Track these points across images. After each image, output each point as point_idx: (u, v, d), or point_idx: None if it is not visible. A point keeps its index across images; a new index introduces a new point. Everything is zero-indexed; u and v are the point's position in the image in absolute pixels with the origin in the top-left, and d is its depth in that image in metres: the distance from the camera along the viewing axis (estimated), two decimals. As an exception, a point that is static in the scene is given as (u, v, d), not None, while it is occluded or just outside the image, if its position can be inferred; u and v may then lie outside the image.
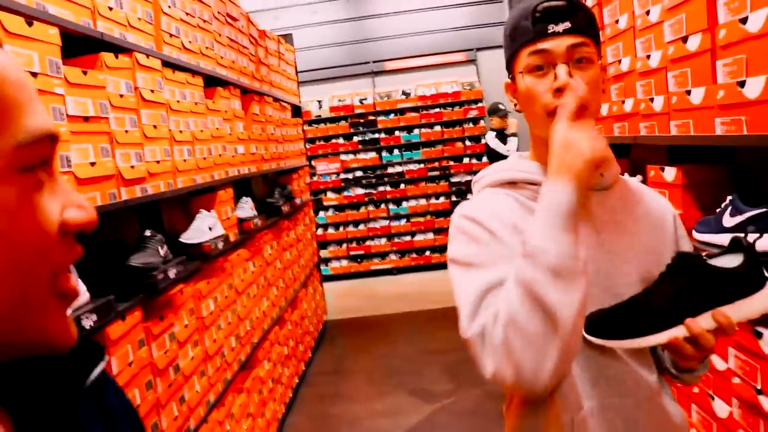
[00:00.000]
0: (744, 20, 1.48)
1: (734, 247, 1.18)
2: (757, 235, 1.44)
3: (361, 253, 8.86)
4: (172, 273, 2.42)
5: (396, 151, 8.82)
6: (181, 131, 2.74)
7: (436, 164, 8.74)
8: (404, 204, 8.86)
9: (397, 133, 8.79)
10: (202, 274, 3.05)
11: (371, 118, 8.79)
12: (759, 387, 1.61)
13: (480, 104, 8.58)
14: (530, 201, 1.22)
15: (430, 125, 8.72)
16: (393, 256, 8.84)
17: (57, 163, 0.56)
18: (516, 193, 1.24)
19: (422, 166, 8.79)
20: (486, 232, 1.16)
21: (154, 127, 2.43)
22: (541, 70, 1.15)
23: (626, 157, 2.80)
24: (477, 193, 1.32)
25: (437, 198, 8.77)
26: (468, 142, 8.70)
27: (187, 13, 3.05)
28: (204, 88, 3.20)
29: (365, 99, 8.85)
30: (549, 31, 1.14)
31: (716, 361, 1.83)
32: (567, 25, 1.13)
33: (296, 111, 6.12)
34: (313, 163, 8.73)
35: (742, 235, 1.17)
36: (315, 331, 5.83)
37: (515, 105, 1.25)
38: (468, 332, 1.08)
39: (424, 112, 8.68)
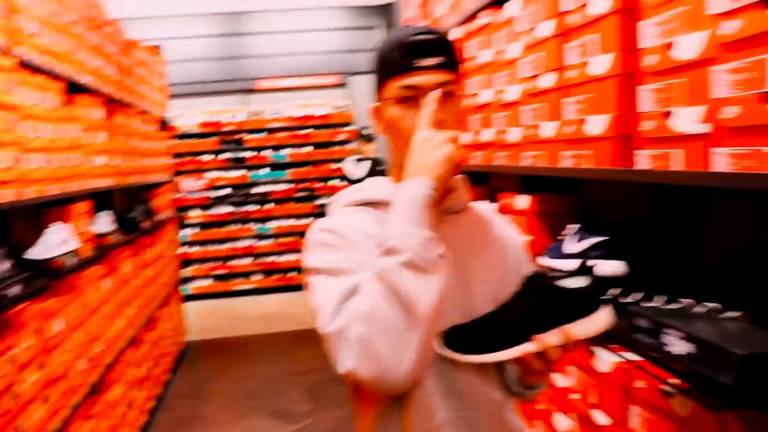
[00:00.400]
0: (588, 64, 1.61)
1: (581, 271, 1.27)
2: (603, 265, 1.57)
3: (225, 273, 8.67)
4: (14, 290, 2.27)
5: (264, 171, 8.75)
6: (34, 138, 2.59)
7: (304, 185, 8.75)
8: (270, 224, 8.78)
9: (266, 152, 8.72)
10: (51, 292, 2.88)
11: (241, 135, 8.69)
12: (593, 402, 1.74)
13: (350, 127, 8.70)
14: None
15: (300, 146, 8.73)
16: (257, 276, 8.72)
17: None
18: (374, 211, 1.27)
19: (290, 186, 8.77)
20: (346, 241, 1.18)
21: (2, 131, 2.29)
22: (409, 102, 1.18)
23: (484, 185, 2.94)
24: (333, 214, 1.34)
25: (304, 219, 8.77)
26: (336, 165, 8.77)
27: (49, 13, 2.91)
28: (65, 94, 3.06)
29: (236, 116, 8.73)
30: (419, 65, 1.17)
31: (557, 378, 1.95)
32: (437, 60, 1.17)
33: (164, 124, 5.95)
34: (179, 178, 8.48)
35: (587, 260, 1.27)
36: (174, 353, 5.63)
37: (379, 129, 1.28)
38: (327, 328, 1.08)
39: (294, 132, 8.68)
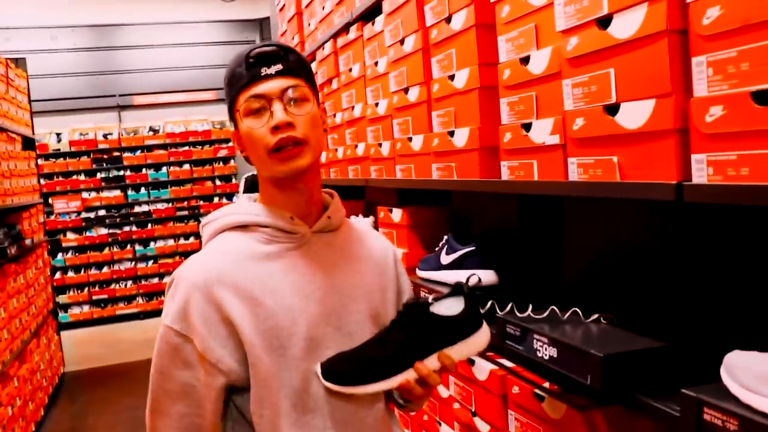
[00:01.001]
0: (452, 77, 1.65)
1: (457, 291, 1.30)
2: (477, 279, 1.60)
3: (104, 297, 8.27)
4: None
5: (143, 190, 8.43)
6: None
7: (185, 203, 8.50)
8: (152, 245, 8.47)
9: (144, 170, 8.41)
10: None
11: (116, 154, 8.34)
12: (473, 410, 1.77)
13: (230, 144, 8.54)
14: (261, 244, 1.24)
15: (179, 163, 8.49)
16: (140, 300, 8.38)
17: None
18: (247, 237, 1.25)
19: (170, 205, 8.50)
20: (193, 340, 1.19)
21: None
22: (259, 112, 1.19)
23: (362, 199, 2.96)
24: (208, 238, 1.31)
25: (186, 238, 8.51)
26: (218, 182, 8.60)
27: None
28: None
29: (110, 134, 8.38)
30: (262, 74, 1.18)
31: (441, 389, 1.98)
32: (279, 67, 1.19)
33: (29, 143, 5.61)
34: (50, 200, 8.03)
35: (464, 281, 1.29)
36: (49, 386, 5.30)
37: (242, 152, 1.27)
38: None
39: (173, 149, 8.43)
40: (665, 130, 1.00)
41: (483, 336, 1.27)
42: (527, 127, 1.35)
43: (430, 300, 1.27)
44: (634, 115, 1.05)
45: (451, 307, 1.27)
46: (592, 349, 1.16)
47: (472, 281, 1.32)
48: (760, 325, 1.22)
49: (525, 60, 1.35)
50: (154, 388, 1.23)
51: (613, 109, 1.10)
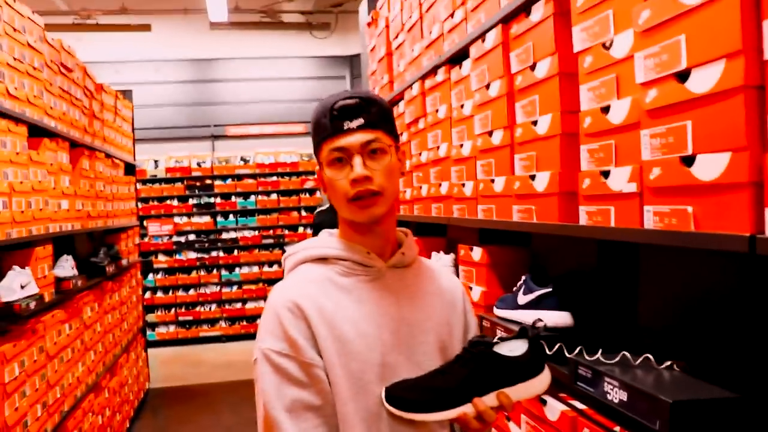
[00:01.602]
0: (535, 123, 1.70)
1: (522, 334, 1.34)
2: (543, 324, 1.63)
3: (189, 319, 8.59)
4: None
5: (231, 217, 8.77)
6: (-2, 183, 2.61)
7: (271, 232, 8.77)
8: (237, 270, 8.76)
9: (233, 198, 8.76)
10: (9, 336, 2.86)
11: (208, 181, 8.73)
12: (544, 449, 1.78)
13: (316, 176, 8.77)
14: (340, 276, 1.32)
15: (267, 193, 8.79)
16: (223, 323, 8.66)
17: None
18: (327, 269, 1.34)
19: (257, 233, 8.79)
20: (299, 351, 1.24)
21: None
22: (341, 162, 1.27)
23: (444, 237, 3.02)
24: (290, 268, 1.40)
25: (270, 266, 8.76)
26: (304, 212, 8.83)
27: (15, 58, 2.96)
28: (29, 138, 3.09)
29: (203, 162, 8.78)
30: (345, 128, 1.26)
31: (512, 427, 1.99)
32: (360, 121, 1.26)
33: (130, 169, 5.97)
34: (145, 223, 8.45)
35: (529, 322, 1.34)
36: (135, 400, 5.55)
37: (324, 190, 1.36)
38: None
39: (262, 179, 8.75)
40: (739, 183, 1.03)
41: (544, 380, 1.30)
42: (606, 174, 1.39)
43: (495, 340, 1.31)
44: (710, 167, 1.08)
45: (515, 349, 1.31)
46: (662, 395, 1.17)
47: (539, 325, 1.36)
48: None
49: (605, 109, 1.40)
50: (271, 415, 1.24)
51: (689, 161, 1.13)
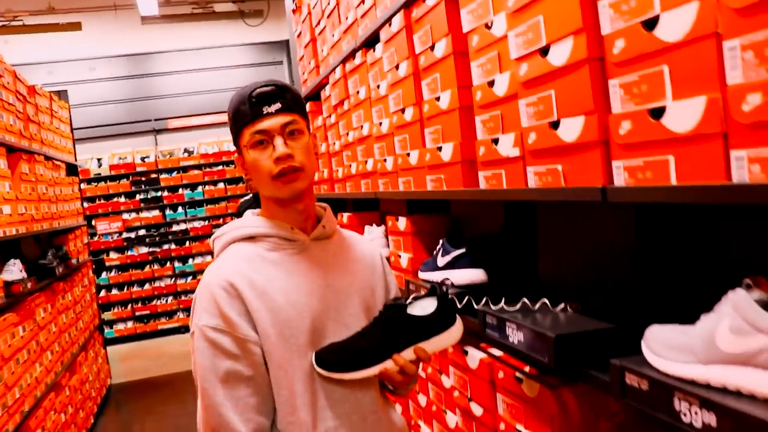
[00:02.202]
0: (438, 99, 1.86)
1: (432, 292, 1.50)
2: (450, 282, 1.80)
3: (147, 313, 8.62)
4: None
5: (180, 209, 8.78)
6: (-64, 193, 2.66)
7: (221, 221, 8.82)
8: (190, 261, 8.80)
9: (180, 190, 8.77)
10: (-38, 341, 2.93)
11: (154, 176, 8.71)
12: (469, 396, 1.96)
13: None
14: (268, 251, 1.46)
15: (214, 182, 8.82)
16: (180, 315, 8.70)
17: None
18: (255, 246, 1.47)
19: (207, 223, 8.83)
20: (231, 326, 1.38)
21: None
22: (262, 144, 1.40)
23: (377, 210, 3.17)
24: (220, 249, 1.53)
25: (225, 254, 8.80)
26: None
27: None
28: (-37, 149, 3.12)
29: (147, 157, 8.76)
30: (264, 113, 1.39)
31: (444, 379, 2.17)
32: (278, 106, 1.40)
33: (72, 169, 5.96)
34: (93, 222, 8.42)
35: (439, 283, 1.51)
36: (98, 396, 5.61)
37: (245, 174, 1.48)
38: None
39: (207, 169, 8.77)
40: (592, 142, 1.19)
41: (455, 332, 1.47)
42: (496, 141, 1.55)
43: (409, 300, 1.47)
44: (570, 129, 1.25)
45: (426, 307, 1.48)
46: (547, 331, 1.35)
47: (446, 283, 1.52)
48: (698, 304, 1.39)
49: (491, 83, 1.55)
50: (205, 386, 1.38)
51: (555, 125, 1.29)
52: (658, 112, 1.02)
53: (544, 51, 1.30)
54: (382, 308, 1.49)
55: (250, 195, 4.95)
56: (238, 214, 4.89)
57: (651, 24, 1.02)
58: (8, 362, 3.33)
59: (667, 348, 1.06)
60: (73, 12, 8.44)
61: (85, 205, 7.17)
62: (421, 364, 1.53)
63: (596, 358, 1.30)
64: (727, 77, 0.89)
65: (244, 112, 1.41)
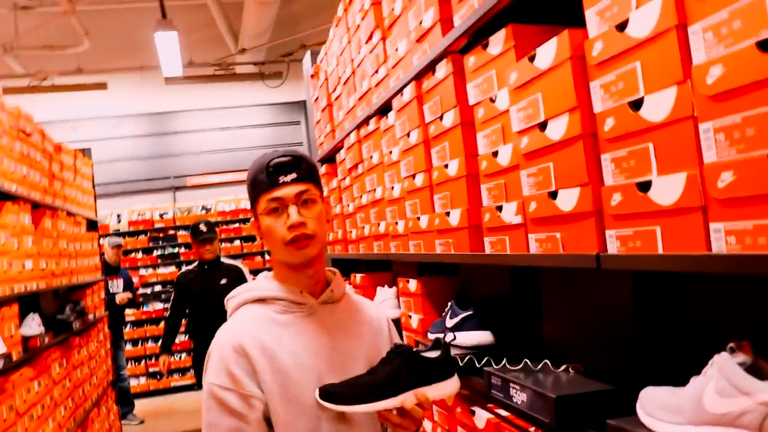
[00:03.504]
0: (446, 166, 1.95)
1: (435, 344, 1.56)
2: (452, 336, 1.85)
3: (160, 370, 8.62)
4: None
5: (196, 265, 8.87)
6: (-36, 249, 2.76)
7: (238, 277, 8.89)
8: (205, 317, 8.84)
9: (198, 247, 8.88)
10: (-21, 394, 2.98)
11: (171, 232, 8.85)
12: (475, 456, 1.99)
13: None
14: (277, 314, 1.53)
15: (230, 240, 8.94)
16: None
17: None
18: (266, 308, 1.54)
19: (223, 279, 8.90)
20: (241, 386, 1.43)
21: (-64, 244, 2.47)
22: (277, 211, 1.48)
23: (389, 271, 3.24)
24: (232, 310, 1.60)
25: (239, 310, 8.86)
26: (267, 256, 8.99)
27: (-25, 131, 3.13)
28: (-8, 204, 3.24)
29: (165, 213, 8.92)
30: (280, 182, 1.48)
31: (451, 439, 2.20)
32: (293, 175, 1.48)
33: (92, 225, 6.10)
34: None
35: (442, 335, 1.56)
36: (107, 454, 5.61)
37: (260, 238, 1.57)
38: None
39: (224, 227, 8.91)
40: (587, 212, 1.27)
41: (454, 382, 1.52)
42: (500, 208, 1.63)
43: (414, 349, 1.53)
44: (567, 199, 1.33)
45: (430, 356, 1.53)
46: (549, 392, 1.40)
47: (448, 338, 1.58)
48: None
49: (495, 153, 1.64)
50: None
51: (554, 195, 1.37)
52: (645, 186, 1.10)
53: (543, 126, 1.39)
54: (391, 348, 1.54)
55: (193, 266, 5.21)
56: (177, 286, 5.21)
57: (637, 105, 1.11)
58: (22, 417, 3.38)
59: (660, 409, 1.11)
60: (99, 72, 8.74)
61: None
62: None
63: (595, 418, 1.35)
64: (704, 156, 0.97)
65: (262, 180, 1.50)
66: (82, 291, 5.45)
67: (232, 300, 1.61)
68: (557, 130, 1.34)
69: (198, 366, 4.65)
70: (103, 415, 5.54)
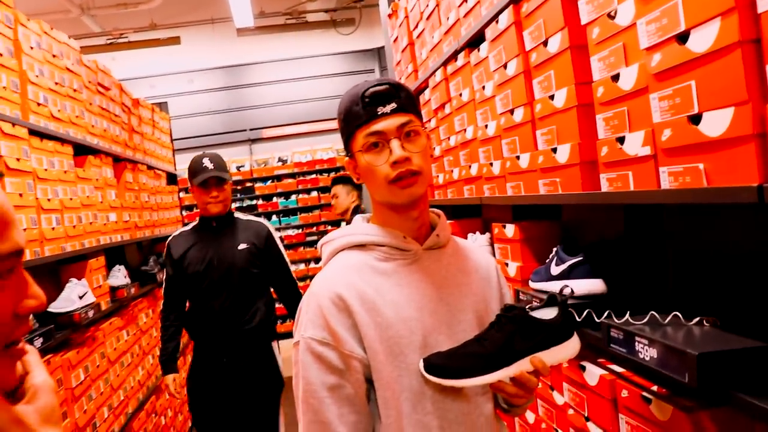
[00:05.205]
0: (552, 97, 1.74)
1: (551, 301, 1.39)
2: (570, 290, 1.67)
3: (242, 320, 8.76)
4: (36, 344, 2.41)
5: (274, 217, 8.92)
6: (49, 199, 2.75)
7: (314, 229, 8.89)
8: (284, 269, 8.90)
9: (274, 199, 8.91)
10: (72, 344, 3.01)
11: (249, 184, 8.89)
12: (586, 415, 1.82)
13: (356, 169, 8.88)
14: (378, 261, 1.38)
15: (307, 191, 8.91)
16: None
17: (21, 265, 0.76)
18: (365, 255, 1.39)
19: (300, 231, 8.92)
20: (338, 341, 1.30)
21: (20, 195, 2.45)
22: (377, 147, 1.32)
23: (479, 217, 3.06)
24: (328, 257, 1.46)
25: (317, 262, 8.87)
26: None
27: (56, 83, 3.10)
28: (75, 157, 3.23)
29: (242, 166, 8.94)
30: (379, 113, 1.31)
31: (556, 396, 2.04)
32: (393, 105, 1.31)
33: (172, 179, 6.13)
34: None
35: (558, 291, 1.39)
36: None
37: (357, 179, 1.41)
38: None
39: (301, 178, 8.88)
40: (745, 136, 1.06)
41: (574, 344, 1.35)
42: (621, 140, 1.43)
43: (526, 308, 1.36)
44: (716, 123, 1.11)
45: (545, 315, 1.36)
46: (689, 348, 1.21)
47: (566, 291, 1.40)
48: None
49: (615, 77, 1.43)
50: (311, 402, 1.30)
51: (696, 119, 1.16)
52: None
53: (683, 37, 1.18)
54: (500, 311, 1.38)
55: (191, 225, 3.43)
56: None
57: (826, -3, 0.89)
58: (114, 365, 3.42)
59: None
60: (172, 27, 8.75)
61: (184, 213, 7.37)
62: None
63: (746, 379, 1.17)
64: None
65: (357, 113, 1.33)
66: (164, 243, 5.49)
67: (327, 245, 1.47)
68: (704, 40, 1.12)
69: (198, 386, 3.31)
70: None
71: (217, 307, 3.13)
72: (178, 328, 3.31)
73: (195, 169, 3.17)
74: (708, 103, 1.14)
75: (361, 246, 1.41)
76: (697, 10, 1.13)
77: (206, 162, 3.16)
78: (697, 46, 1.14)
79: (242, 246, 3.20)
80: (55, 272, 3.28)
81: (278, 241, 3.43)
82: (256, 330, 3.21)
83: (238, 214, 3.38)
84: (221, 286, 3.14)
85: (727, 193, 1.11)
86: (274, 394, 3.31)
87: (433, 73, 2.96)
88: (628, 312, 1.52)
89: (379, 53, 9.14)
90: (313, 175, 8.89)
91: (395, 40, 3.89)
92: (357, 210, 4.53)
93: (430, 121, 3.15)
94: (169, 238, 3.38)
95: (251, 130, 9.21)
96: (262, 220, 3.46)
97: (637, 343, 1.40)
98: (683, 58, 1.18)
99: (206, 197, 3.15)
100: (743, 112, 1.06)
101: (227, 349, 3.19)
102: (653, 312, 1.48)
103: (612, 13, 1.44)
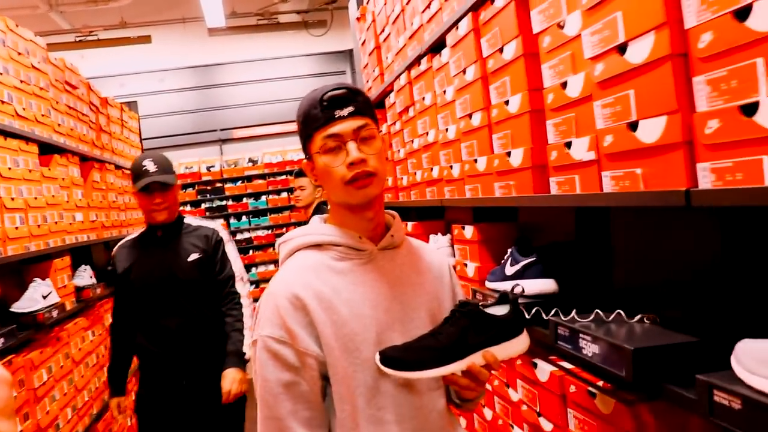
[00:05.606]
0: (507, 102, 1.80)
1: (503, 299, 1.45)
2: (521, 290, 1.73)
3: (211, 321, 8.74)
4: None
5: (244, 218, 8.91)
6: (12, 198, 2.75)
7: (284, 230, 8.90)
8: (253, 270, 8.90)
9: (244, 199, 8.90)
10: (35, 344, 3.00)
11: (219, 185, 8.87)
12: (538, 410, 1.89)
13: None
14: (335, 261, 1.42)
15: (277, 192, 8.92)
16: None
17: None
18: (322, 255, 1.43)
19: (270, 232, 8.93)
20: (295, 340, 1.33)
21: (-17, 195, 2.45)
22: (334, 149, 1.36)
23: (442, 219, 3.12)
24: (286, 256, 1.50)
25: (287, 263, 8.89)
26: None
27: (21, 80, 3.09)
28: (40, 155, 3.22)
29: (212, 166, 8.93)
30: (336, 116, 1.35)
31: (511, 393, 2.10)
32: (350, 109, 1.36)
33: (140, 178, 6.10)
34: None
35: (509, 289, 1.44)
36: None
37: (315, 180, 1.45)
38: None
39: (271, 179, 8.88)
40: (675, 143, 1.13)
41: (523, 340, 1.41)
42: (569, 145, 1.49)
43: (480, 304, 1.42)
44: (651, 130, 1.18)
45: (498, 312, 1.42)
46: (625, 344, 1.28)
47: (517, 290, 1.46)
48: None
49: (564, 85, 1.50)
50: (267, 398, 1.34)
51: (634, 126, 1.23)
52: (750, 109, 0.95)
53: (622, 48, 1.24)
54: (455, 306, 1.43)
55: (135, 234, 3.14)
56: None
57: (743, 14, 0.95)
58: (78, 365, 3.41)
59: (762, 364, 0.98)
60: (143, 25, 8.71)
61: (153, 213, 7.34)
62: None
63: (678, 373, 1.23)
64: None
65: (315, 116, 1.38)
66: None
67: (284, 245, 1.51)
68: (640, 52, 1.19)
69: (151, 412, 3.00)
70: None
71: (174, 326, 2.85)
72: (129, 347, 3.03)
73: (136, 172, 2.87)
74: (644, 112, 1.21)
75: (317, 246, 1.45)
76: (635, 23, 1.20)
77: (148, 164, 2.85)
78: (634, 57, 1.21)
79: (192, 257, 2.91)
80: (18, 272, 3.27)
81: (229, 248, 3.06)
82: (220, 347, 2.88)
83: (189, 219, 3.09)
84: (172, 303, 2.86)
85: (659, 196, 1.17)
86: (239, 408, 3.03)
87: (398, 76, 3.02)
88: (575, 310, 1.58)
89: (350, 55, 9.17)
90: (284, 176, 8.91)
91: (363, 43, 3.94)
92: (320, 207, 4.49)
93: (395, 123, 3.20)
94: (114, 248, 3.05)
95: (222, 130, 9.19)
96: (215, 225, 3.12)
97: (581, 340, 1.46)
98: (623, 68, 1.24)
99: (149, 204, 2.86)
100: (674, 121, 1.12)
101: (187, 371, 2.88)
102: (598, 310, 1.54)
103: (561, 24, 1.51)
